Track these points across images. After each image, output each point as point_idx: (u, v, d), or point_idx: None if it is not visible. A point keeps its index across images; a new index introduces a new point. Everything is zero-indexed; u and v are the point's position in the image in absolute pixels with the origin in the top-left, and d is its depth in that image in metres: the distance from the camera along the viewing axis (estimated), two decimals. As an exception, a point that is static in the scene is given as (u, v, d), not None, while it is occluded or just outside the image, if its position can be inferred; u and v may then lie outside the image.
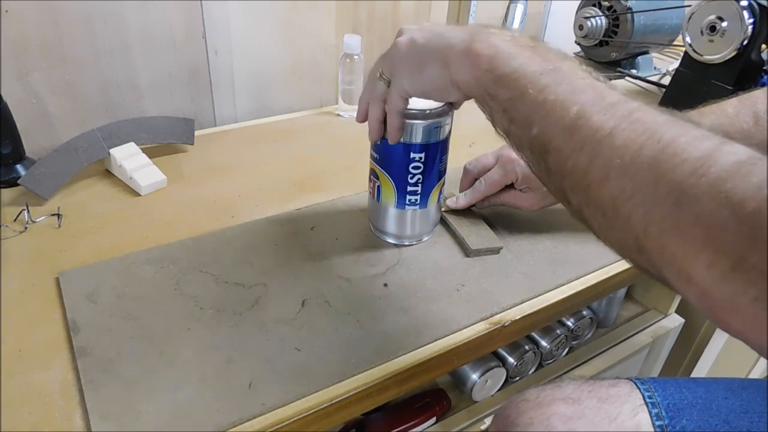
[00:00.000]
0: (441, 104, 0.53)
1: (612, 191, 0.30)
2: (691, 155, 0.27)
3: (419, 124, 0.53)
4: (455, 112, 0.55)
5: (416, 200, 0.58)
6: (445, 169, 0.58)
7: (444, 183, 0.60)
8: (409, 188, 0.57)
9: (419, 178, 0.56)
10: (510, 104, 0.38)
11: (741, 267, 0.24)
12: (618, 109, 0.32)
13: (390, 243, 0.61)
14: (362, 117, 0.54)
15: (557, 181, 0.35)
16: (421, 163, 0.55)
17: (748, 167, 0.25)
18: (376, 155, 0.57)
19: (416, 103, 0.53)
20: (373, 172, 0.58)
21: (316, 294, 0.54)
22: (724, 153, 0.27)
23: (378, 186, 0.58)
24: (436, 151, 0.55)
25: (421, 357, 0.49)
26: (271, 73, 0.92)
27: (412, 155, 0.54)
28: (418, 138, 0.53)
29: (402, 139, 0.53)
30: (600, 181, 0.31)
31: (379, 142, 0.55)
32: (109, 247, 0.59)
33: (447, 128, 0.55)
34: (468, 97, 0.44)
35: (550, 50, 0.39)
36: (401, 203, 0.58)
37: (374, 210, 0.61)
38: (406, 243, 0.61)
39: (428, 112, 0.53)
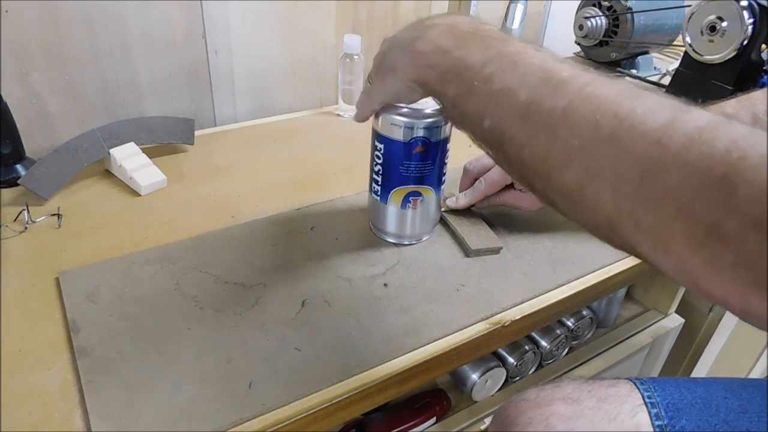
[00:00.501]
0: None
1: (575, 174, 0.30)
2: (650, 126, 0.27)
3: (419, 124, 0.53)
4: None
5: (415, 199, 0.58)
6: (445, 168, 0.58)
7: (444, 182, 0.60)
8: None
9: (420, 178, 0.56)
10: (458, 99, 0.37)
11: (716, 232, 0.24)
12: (568, 87, 0.31)
13: (390, 243, 0.61)
14: (360, 117, 0.54)
15: (518, 170, 0.34)
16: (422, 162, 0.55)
17: (712, 131, 0.25)
18: (377, 154, 0.57)
19: (418, 103, 0.53)
20: (374, 172, 0.58)
21: (316, 294, 0.54)
22: (684, 121, 0.26)
23: (378, 185, 0.58)
24: (436, 150, 0.55)
25: (421, 357, 0.49)
26: (271, 73, 0.92)
27: (413, 153, 0.54)
28: (418, 136, 0.54)
29: (403, 138, 0.53)
30: (561, 166, 0.30)
31: (377, 137, 0.55)
32: (109, 247, 0.59)
33: (447, 128, 0.55)
34: (431, 94, 0.43)
35: (492, 34, 0.37)
36: (402, 202, 0.58)
37: (374, 209, 0.61)
38: (406, 242, 0.61)
39: (428, 112, 0.53)
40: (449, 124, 0.55)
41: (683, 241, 0.25)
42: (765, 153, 0.23)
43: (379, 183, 0.58)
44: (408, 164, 0.55)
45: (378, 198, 0.59)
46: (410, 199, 0.57)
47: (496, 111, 0.34)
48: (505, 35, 0.37)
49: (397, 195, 0.57)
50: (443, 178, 0.59)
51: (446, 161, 0.58)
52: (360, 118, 0.53)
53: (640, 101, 0.28)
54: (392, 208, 0.58)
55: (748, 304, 0.24)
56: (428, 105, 0.53)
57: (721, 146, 0.24)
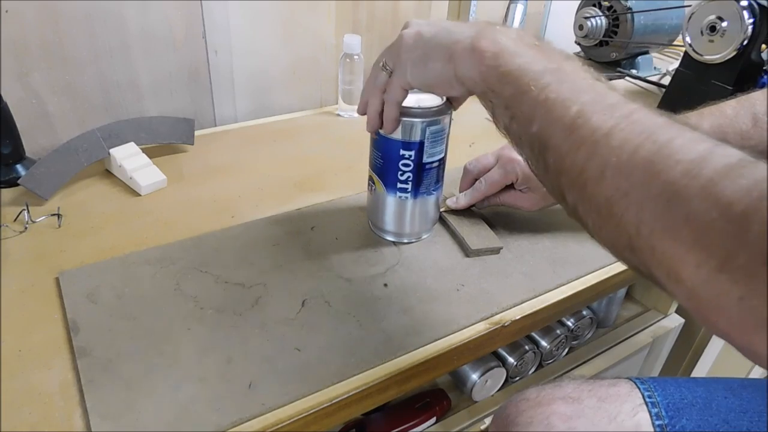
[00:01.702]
0: (440, 103, 0.54)
1: (607, 190, 0.31)
2: (685, 157, 0.28)
3: (418, 122, 0.53)
4: (456, 111, 0.55)
5: (415, 198, 0.58)
6: (445, 167, 0.58)
7: (443, 181, 0.60)
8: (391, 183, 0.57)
9: (406, 175, 0.56)
10: (512, 101, 0.38)
11: (727, 267, 0.25)
12: (617, 110, 0.32)
13: (390, 243, 0.61)
14: (363, 109, 0.54)
15: (554, 179, 0.36)
16: (410, 160, 0.55)
17: (739, 170, 0.26)
18: (376, 152, 0.57)
19: (416, 102, 0.53)
20: (372, 170, 0.58)
21: (316, 294, 0.54)
22: (717, 155, 0.27)
23: (377, 183, 0.58)
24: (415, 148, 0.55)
25: (421, 357, 0.49)
26: (271, 73, 0.92)
27: (413, 152, 0.55)
28: (416, 136, 0.54)
29: (401, 137, 0.53)
30: (596, 180, 0.31)
31: (375, 136, 0.55)
32: (109, 247, 0.59)
33: (446, 122, 0.55)
34: (470, 93, 0.44)
35: (554, 50, 0.39)
36: (399, 200, 0.58)
37: (373, 208, 0.61)
38: (405, 241, 0.61)
39: (427, 110, 0.53)
40: (449, 123, 0.55)
41: (695, 271, 0.26)
42: None
43: (377, 180, 0.58)
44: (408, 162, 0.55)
45: (375, 195, 0.59)
46: (412, 189, 0.57)
47: (546, 118, 0.35)
48: (567, 54, 0.39)
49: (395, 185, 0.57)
50: (442, 176, 0.59)
51: (445, 159, 0.58)
52: (395, 94, 0.50)
53: (680, 133, 0.29)
54: (390, 206, 0.58)
55: (751, 343, 0.25)
56: (428, 103, 0.53)
57: (744, 184, 0.25)
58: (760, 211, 0.24)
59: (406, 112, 0.52)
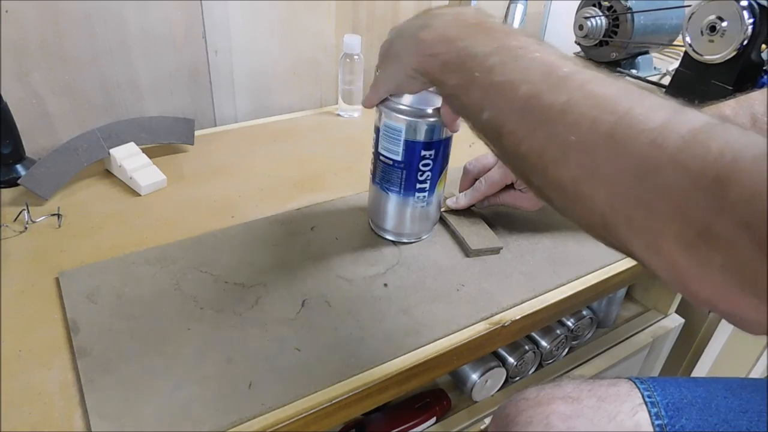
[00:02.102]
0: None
1: (571, 170, 0.30)
2: (647, 126, 0.27)
3: (422, 122, 0.53)
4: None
5: (415, 198, 0.58)
6: (447, 166, 0.59)
7: (445, 181, 0.60)
8: (408, 186, 0.57)
9: (425, 175, 0.56)
10: (458, 89, 0.37)
11: (707, 235, 0.24)
12: (569, 83, 0.31)
13: (390, 243, 0.61)
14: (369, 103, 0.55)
15: (515, 164, 0.35)
16: (431, 159, 0.55)
17: (706, 133, 0.25)
18: (379, 152, 0.57)
19: (422, 101, 0.53)
20: (375, 170, 0.58)
21: (316, 294, 0.54)
22: (680, 122, 0.26)
23: (379, 183, 0.58)
24: (438, 148, 0.55)
25: (421, 357, 0.49)
26: (271, 72, 0.92)
27: (415, 153, 0.55)
28: (422, 136, 0.54)
29: (405, 136, 0.54)
30: (558, 161, 0.30)
31: (381, 132, 0.55)
32: (109, 247, 0.59)
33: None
34: (432, 84, 0.43)
35: (496, 26, 0.37)
36: (401, 201, 0.58)
37: (374, 207, 0.61)
38: (405, 240, 0.61)
39: (430, 111, 0.53)
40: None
41: (674, 242, 0.25)
42: (756, 155, 0.23)
43: (378, 180, 0.58)
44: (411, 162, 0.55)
45: (377, 194, 0.59)
46: (413, 189, 0.57)
47: (496, 103, 0.34)
48: (509, 28, 0.38)
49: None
50: (444, 176, 0.59)
51: (447, 159, 0.58)
52: (367, 104, 0.54)
53: (639, 101, 0.28)
54: (392, 206, 0.58)
55: (736, 307, 0.25)
56: (432, 104, 0.53)
57: (714, 148, 0.24)
58: (735, 173, 0.23)
59: (409, 112, 0.52)
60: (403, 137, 0.54)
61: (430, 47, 0.39)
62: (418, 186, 0.57)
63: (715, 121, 0.26)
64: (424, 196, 0.58)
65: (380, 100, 0.53)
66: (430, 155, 0.55)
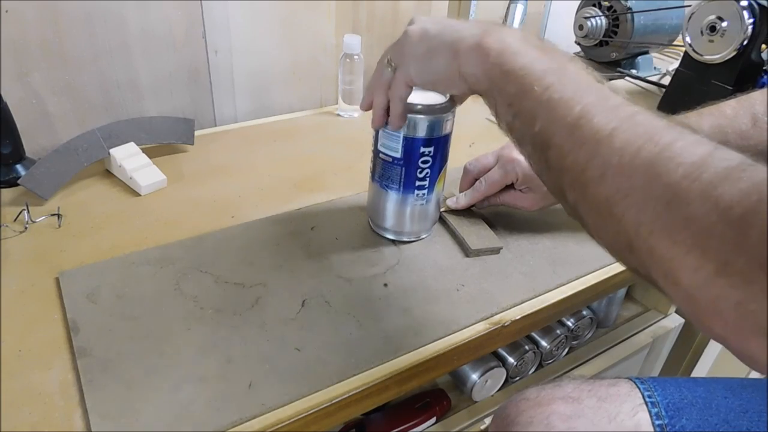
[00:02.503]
0: (445, 100, 0.54)
1: (607, 190, 0.31)
2: (686, 160, 0.28)
3: (422, 119, 0.53)
4: (456, 111, 0.55)
5: (414, 196, 0.58)
6: (446, 164, 0.59)
7: (444, 179, 0.60)
8: (407, 183, 0.57)
9: (425, 172, 0.56)
10: (515, 99, 0.38)
11: (725, 271, 0.25)
12: (619, 112, 0.32)
13: (390, 243, 0.61)
14: (367, 105, 0.53)
15: (556, 178, 0.36)
16: (430, 156, 0.55)
17: (738, 173, 0.26)
18: (378, 149, 0.57)
19: (420, 98, 0.53)
20: (374, 167, 0.58)
21: (316, 294, 0.54)
22: (717, 158, 0.27)
23: (378, 181, 0.58)
24: (438, 146, 0.55)
25: (421, 357, 0.49)
26: (271, 72, 0.92)
27: (415, 149, 0.55)
28: (421, 132, 0.54)
29: (405, 133, 0.54)
30: (597, 180, 0.32)
31: (380, 131, 0.55)
32: (109, 247, 0.59)
33: (449, 124, 0.55)
34: (473, 91, 0.44)
35: (558, 51, 0.40)
36: (400, 198, 0.58)
37: (373, 206, 0.61)
38: (405, 239, 0.61)
39: (432, 107, 0.53)
40: (451, 121, 0.55)
41: (693, 274, 0.26)
42: None
43: (378, 178, 0.58)
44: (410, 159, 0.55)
45: (376, 193, 0.59)
46: (413, 187, 0.57)
47: (549, 117, 0.35)
48: (571, 55, 0.40)
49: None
50: (443, 175, 0.59)
51: (447, 157, 0.58)
52: (399, 90, 0.49)
53: (681, 136, 0.30)
54: (392, 204, 0.58)
55: (747, 348, 0.25)
56: (432, 100, 0.53)
57: (744, 187, 0.25)
58: (759, 214, 0.24)
59: (410, 108, 0.52)
60: (402, 134, 0.54)
61: (497, 56, 0.40)
62: (418, 183, 0.57)
63: (749, 162, 0.27)
64: (424, 194, 0.58)
65: (410, 92, 0.50)
66: (430, 152, 0.55)
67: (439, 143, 0.55)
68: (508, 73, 0.39)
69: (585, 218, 0.34)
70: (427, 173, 0.57)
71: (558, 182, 0.36)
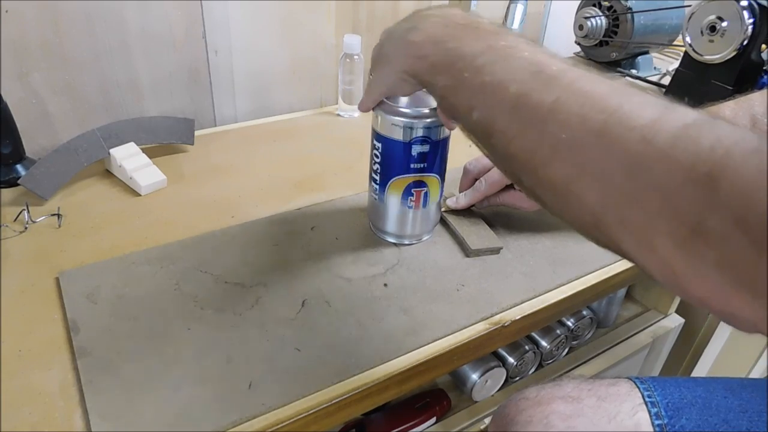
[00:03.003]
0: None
1: (561, 169, 0.29)
2: (637, 122, 0.27)
3: (419, 123, 0.53)
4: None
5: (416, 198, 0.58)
6: (445, 168, 0.58)
7: (444, 182, 0.60)
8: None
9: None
10: (447, 91, 0.37)
11: (699, 231, 0.24)
12: (558, 81, 0.31)
13: (390, 243, 0.61)
14: (365, 107, 0.54)
15: (505, 164, 0.34)
16: (430, 160, 0.55)
17: (696, 129, 0.25)
18: (377, 153, 0.57)
19: (420, 102, 0.53)
20: (374, 171, 0.58)
21: (316, 294, 0.54)
22: (671, 118, 0.26)
23: (378, 185, 0.58)
24: (436, 149, 0.55)
25: (421, 357, 0.49)
26: (271, 72, 0.92)
27: (412, 153, 0.55)
28: (418, 136, 0.54)
29: (402, 138, 0.54)
30: (548, 160, 0.30)
31: (380, 135, 0.55)
32: (109, 247, 0.59)
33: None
34: (423, 86, 0.43)
35: (484, 27, 0.37)
36: (402, 202, 0.58)
37: (374, 209, 0.61)
38: (406, 242, 0.61)
39: (427, 111, 0.53)
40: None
41: (667, 239, 0.25)
42: (748, 150, 0.23)
43: (378, 182, 0.58)
44: (407, 164, 0.55)
45: (376, 197, 0.59)
46: (412, 191, 0.57)
47: (486, 103, 0.34)
48: (498, 28, 0.37)
49: (395, 187, 0.57)
50: (443, 177, 0.59)
51: (446, 160, 0.58)
52: (362, 108, 0.54)
53: (628, 98, 0.28)
54: (393, 201, 0.58)
55: (729, 305, 0.24)
56: (428, 105, 0.53)
57: (706, 143, 0.24)
58: (726, 169, 0.23)
59: (407, 114, 0.52)
60: (401, 138, 0.54)
61: (419, 49, 0.39)
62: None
63: (705, 117, 0.26)
64: None
65: (375, 103, 0.53)
66: (429, 156, 0.55)
67: (438, 146, 0.55)
68: (435, 65, 0.38)
69: (545, 201, 0.32)
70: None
71: (509, 168, 0.34)
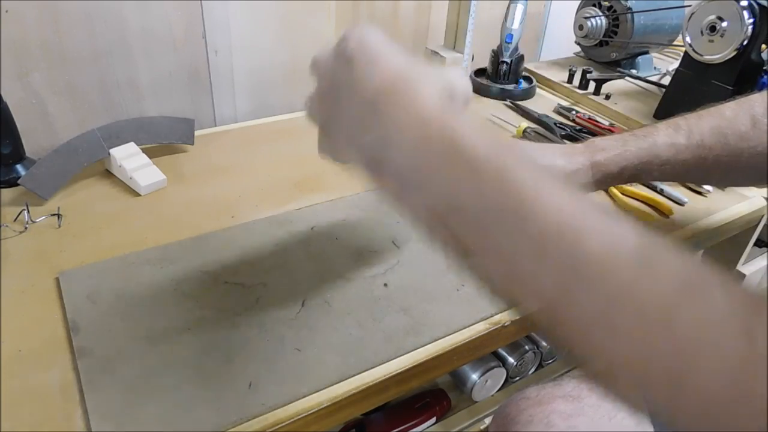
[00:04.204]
0: None
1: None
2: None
3: None
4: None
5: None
6: None
7: None
8: None
9: None
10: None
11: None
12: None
13: (390, 243, 0.61)
14: None
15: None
16: None
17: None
18: None
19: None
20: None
21: (316, 294, 0.54)
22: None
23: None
24: None
25: (421, 357, 0.49)
26: (272, 72, 0.92)
27: None
28: None
29: None
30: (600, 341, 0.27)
31: None
32: (109, 247, 0.59)
33: None
34: None
35: (467, 155, 0.30)
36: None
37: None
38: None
39: None
40: None
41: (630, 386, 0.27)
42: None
43: None
44: None
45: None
46: None
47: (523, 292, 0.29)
48: (485, 149, 0.28)
49: None
50: None
51: None
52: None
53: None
54: None
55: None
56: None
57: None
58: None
59: None
60: None
61: (387, 180, 0.32)
62: None
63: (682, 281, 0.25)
64: None
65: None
66: None
67: None
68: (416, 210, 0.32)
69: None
70: None
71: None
